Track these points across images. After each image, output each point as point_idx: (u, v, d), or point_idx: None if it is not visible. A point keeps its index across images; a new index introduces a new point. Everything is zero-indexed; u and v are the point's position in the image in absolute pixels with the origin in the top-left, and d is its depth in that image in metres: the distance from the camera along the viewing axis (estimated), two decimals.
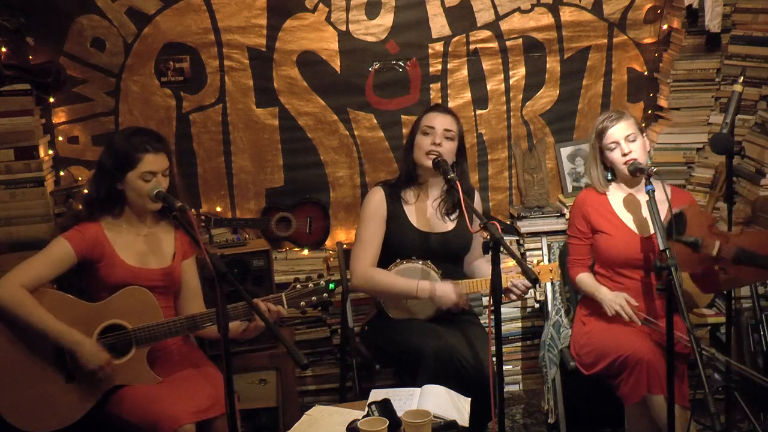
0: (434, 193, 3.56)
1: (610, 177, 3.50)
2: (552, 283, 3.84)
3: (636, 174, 3.33)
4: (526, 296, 3.49)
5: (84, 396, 2.92)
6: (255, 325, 3.05)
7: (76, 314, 2.93)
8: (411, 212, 3.53)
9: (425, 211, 3.55)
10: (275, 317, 3.01)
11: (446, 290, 3.37)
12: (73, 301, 2.96)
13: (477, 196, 3.68)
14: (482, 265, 3.62)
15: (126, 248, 3.06)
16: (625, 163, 3.36)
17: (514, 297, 3.41)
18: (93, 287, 3.05)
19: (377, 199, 3.54)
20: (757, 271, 3.19)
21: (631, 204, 3.48)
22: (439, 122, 3.46)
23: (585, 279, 3.52)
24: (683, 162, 4.24)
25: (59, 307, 2.91)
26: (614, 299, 3.35)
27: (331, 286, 3.11)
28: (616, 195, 3.51)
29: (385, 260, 3.51)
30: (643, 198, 3.45)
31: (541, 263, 3.55)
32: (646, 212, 3.43)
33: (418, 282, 3.39)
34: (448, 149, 3.44)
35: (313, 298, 3.08)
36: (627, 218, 3.46)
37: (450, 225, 3.54)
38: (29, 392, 2.89)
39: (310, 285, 3.09)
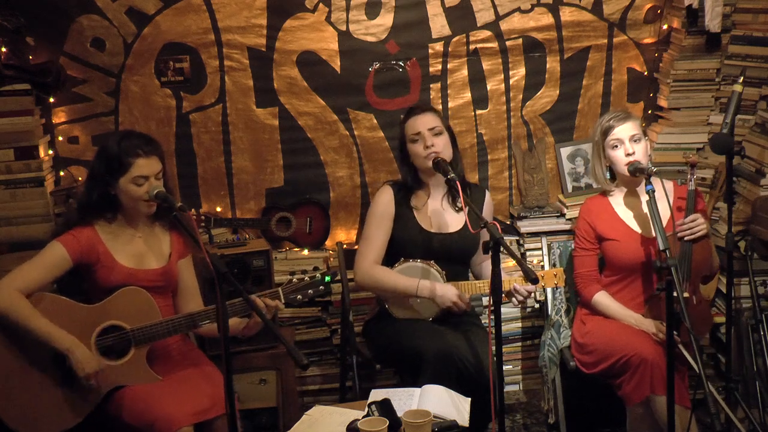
0: (439, 192, 3.57)
1: (609, 177, 3.50)
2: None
3: (636, 174, 3.33)
4: (527, 303, 3.48)
5: (84, 399, 2.92)
6: (254, 321, 3.06)
7: (74, 317, 2.92)
8: (418, 213, 3.53)
9: (432, 212, 3.55)
10: (274, 311, 3.01)
11: (446, 290, 3.37)
12: (71, 305, 2.95)
13: (488, 196, 3.69)
14: (488, 267, 3.63)
15: (122, 250, 3.06)
16: (627, 164, 3.36)
17: (515, 302, 3.40)
18: (91, 290, 3.05)
19: (386, 198, 3.54)
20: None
21: (633, 207, 3.48)
22: (421, 124, 3.46)
23: (606, 303, 3.45)
24: (683, 162, 4.24)
25: (57, 310, 2.91)
26: (656, 327, 3.30)
27: (327, 278, 3.12)
28: (618, 199, 3.51)
29: (389, 259, 3.51)
30: (644, 199, 3.45)
31: (546, 269, 3.53)
32: (647, 213, 3.43)
33: (419, 281, 3.40)
34: (442, 145, 3.44)
35: (310, 291, 3.10)
36: (632, 222, 3.46)
37: (456, 226, 3.54)
38: (30, 397, 2.89)
39: (306, 278, 3.10)
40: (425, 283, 3.39)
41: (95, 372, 2.87)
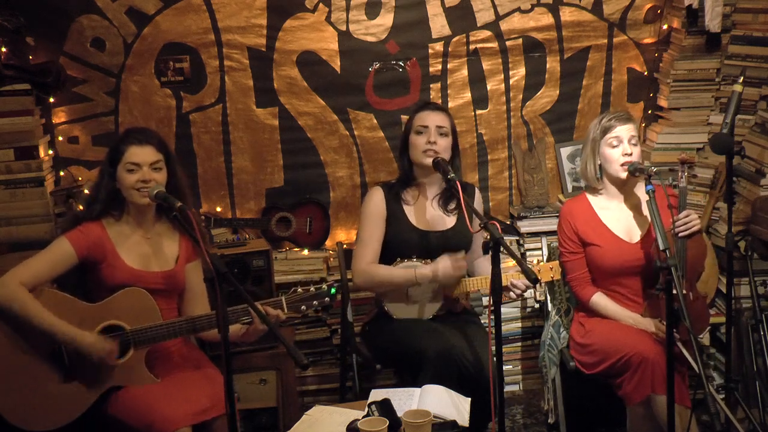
0: (432, 191, 3.57)
1: (599, 175, 3.49)
2: (552, 283, 3.84)
3: (636, 174, 3.33)
4: (525, 296, 3.49)
5: (82, 395, 2.92)
6: (254, 328, 3.05)
7: (74, 314, 2.92)
8: (410, 212, 3.53)
9: (425, 210, 3.55)
10: (274, 321, 3.00)
11: (444, 263, 3.38)
12: (72, 301, 2.95)
13: (477, 193, 3.69)
14: (482, 264, 3.63)
15: (128, 250, 3.06)
16: (623, 164, 3.36)
17: (513, 296, 3.41)
18: (94, 288, 3.04)
19: (376, 199, 3.54)
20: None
21: (615, 211, 3.47)
22: (432, 120, 3.47)
23: (604, 303, 3.44)
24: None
25: (58, 306, 2.91)
26: (657, 326, 3.30)
27: (332, 290, 3.10)
28: (600, 202, 3.50)
29: (385, 260, 3.51)
30: (627, 203, 3.45)
31: (542, 262, 3.54)
32: (631, 218, 3.43)
33: (416, 269, 3.40)
34: (443, 146, 3.45)
35: (315, 302, 3.08)
36: (614, 227, 3.44)
37: (449, 223, 3.54)
38: (28, 391, 2.89)
39: (312, 289, 3.09)
40: (423, 269, 3.40)
41: (108, 354, 2.88)
